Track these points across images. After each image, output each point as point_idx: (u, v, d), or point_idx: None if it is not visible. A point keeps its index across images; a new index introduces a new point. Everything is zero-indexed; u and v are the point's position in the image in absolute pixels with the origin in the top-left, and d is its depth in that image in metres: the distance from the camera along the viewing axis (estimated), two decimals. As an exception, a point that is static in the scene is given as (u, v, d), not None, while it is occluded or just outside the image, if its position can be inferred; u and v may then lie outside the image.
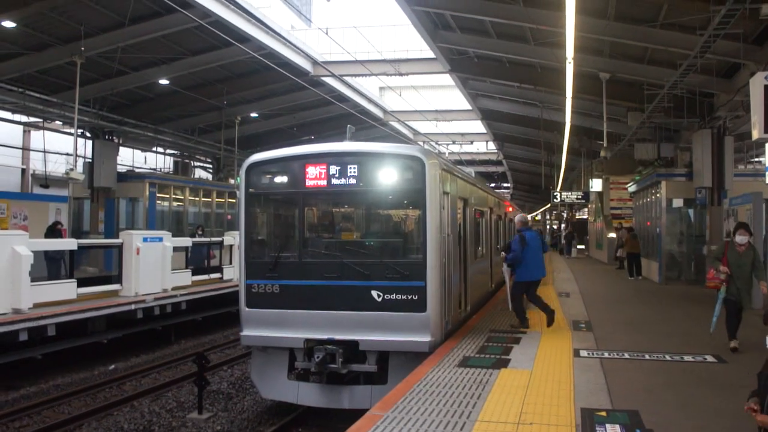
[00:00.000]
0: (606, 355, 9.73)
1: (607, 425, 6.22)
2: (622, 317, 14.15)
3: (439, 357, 9.30)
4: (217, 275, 21.85)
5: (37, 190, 32.86)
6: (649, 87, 19.68)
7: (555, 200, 41.71)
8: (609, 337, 11.38)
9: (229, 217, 34.08)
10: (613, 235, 32.09)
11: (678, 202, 22.50)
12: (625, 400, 7.14)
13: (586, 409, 6.74)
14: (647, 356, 9.68)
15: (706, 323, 10.89)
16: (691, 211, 22.62)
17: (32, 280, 14.06)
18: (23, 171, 34.31)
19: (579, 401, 7.03)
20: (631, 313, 15.01)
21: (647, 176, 25.29)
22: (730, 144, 20.44)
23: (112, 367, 15.50)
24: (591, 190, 36.70)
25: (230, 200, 34.16)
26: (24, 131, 33.10)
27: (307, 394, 10.23)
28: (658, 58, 18.76)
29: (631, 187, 29.25)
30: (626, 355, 9.75)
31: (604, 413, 6.63)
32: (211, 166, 40.79)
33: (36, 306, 14.02)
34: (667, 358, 9.62)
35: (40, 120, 29.09)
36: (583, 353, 9.78)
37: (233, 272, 21.75)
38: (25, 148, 33.45)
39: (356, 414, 7.23)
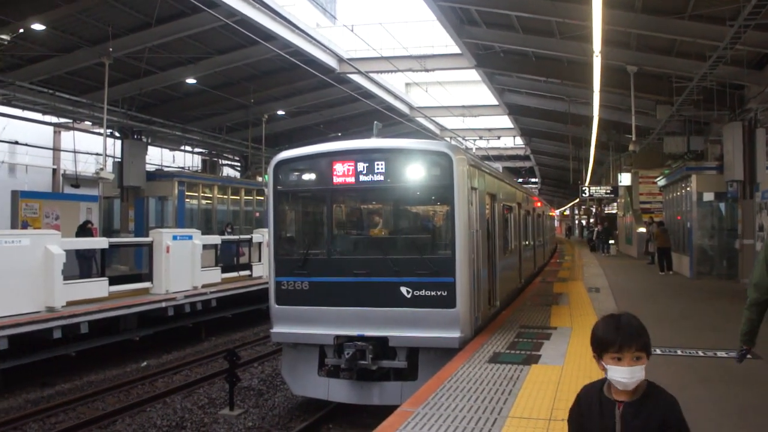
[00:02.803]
0: (637, 350, 9.63)
1: (640, 421, 6.16)
2: (653, 312, 14.01)
3: (470, 353, 9.28)
4: (246, 272, 21.98)
5: (68, 190, 33.21)
6: (677, 79, 19.47)
7: (583, 195, 41.42)
8: (640, 332, 11.27)
9: (257, 214, 34.25)
10: (642, 229, 31.81)
11: (709, 196, 22.23)
12: (656, 396, 7.07)
13: (617, 405, 6.68)
14: (679, 352, 9.59)
15: (739, 318, 10.71)
16: (722, 205, 22.34)
17: (65, 279, 14.26)
18: (54, 171, 34.70)
19: (611, 397, 6.98)
20: (662, 308, 14.87)
21: (677, 170, 25.06)
22: (762, 136, 20.16)
23: (144, 364, 15.66)
24: (620, 184, 36.39)
25: (258, 198, 34.32)
26: (54, 132, 33.45)
27: (338, 391, 10.28)
28: (687, 50, 18.53)
29: (661, 181, 28.98)
30: (658, 351, 9.64)
31: (636, 409, 6.57)
32: (238, 164, 41.03)
33: (69, 304, 14.21)
34: (700, 353, 9.53)
35: (70, 121, 29.43)
36: (615, 349, 9.69)
37: (262, 269, 21.84)
38: (56, 149, 33.83)
39: (386, 410, 7.24)
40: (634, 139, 23.40)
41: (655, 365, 8.60)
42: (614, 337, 2.78)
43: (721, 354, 9.47)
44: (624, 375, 2.73)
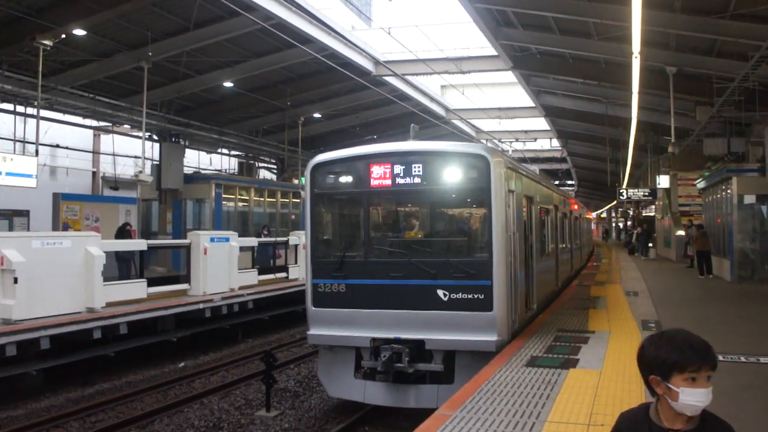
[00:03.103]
0: (677, 355, 9.47)
1: (681, 427, 6.05)
2: (693, 316, 13.83)
3: (507, 356, 9.22)
4: (282, 275, 22.08)
5: (107, 192, 33.71)
6: (718, 80, 19.16)
7: (621, 197, 41.00)
8: (680, 336, 11.08)
9: (293, 217, 34.40)
10: (681, 232, 31.39)
11: (750, 199, 21.81)
12: (698, 402, 6.93)
13: (658, 411, 6.57)
14: (721, 357, 9.27)
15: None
16: (764, 208, 21.93)
17: (104, 280, 14.45)
18: (94, 174, 35.24)
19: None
20: (702, 312, 14.66)
21: (717, 172, 24.67)
22: (805, 137, 19.80)
23: (182, 364, 15.81)
24: (658, 186, 35.93)
25: (294, 200, 34.48)
26: (94, 135, 33.97)
27: (374, 393, 10.27)
28: (728, 50, 18.24)
29: (700, 184, 28.55)
30: (699, 356, 9.47)
31: (677, 415, 6.46)
32: (275, 166, 41.29)
33: (108, 305, 14.41)
34: (742, 359, 9.35)
35: (109, 124, 29.87)
36: (654, 353, 9.54)
37: (298, 272, 21.94)
38: (96, 152, 34.35)
39: (422, 413, 7.22)
40: (673, 140, 23.09)
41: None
42: (691, 356, 2.51)
43: (764, 360, 9.30)
44: (700, 397, 2.49)
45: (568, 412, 6.60)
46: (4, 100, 23.46)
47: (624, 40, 16.14)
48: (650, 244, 38.18)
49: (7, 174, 18.65)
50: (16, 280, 12.39)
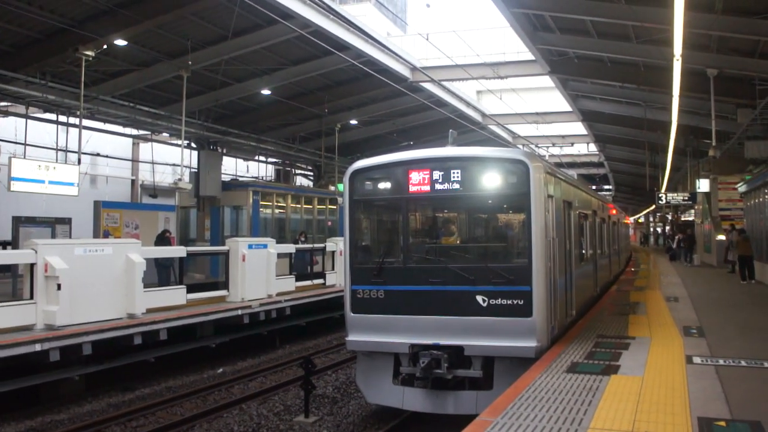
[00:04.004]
0: (721, 362, 9.33)
1: (727, 436, 5.96)
2: (736, 322, 13.58)
3: (547, 363, 9.14)
4: (320, 281, 22.14)
5: (146, 200, 34.14)
6: (761, 81, 18.88)
7: (660, 202, 40.47)
8: (723, 343, 10.92)
9: (330, 223, 34.48)
10: (722, 237, 30.88)
11: (794, 202, 21.46)
12: (744, 410, 6.82)
13: (703, 418, 6.47)
14: (765, 364, 9.23)
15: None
16: (808, 211, 21.53)
17: (144, 287, 14.62)
18: (133, 182, 35.73)
19: (695, 410, 6.77)
20: (745, 318, 14.38)
21: (759, 175, 24.25)
22: None
23: (221, 370, 15.95)
24: (698, 191, 35.39)
25: (331, 207, 34.56)
26: (133, 143, 34.45)
27: (412, 399, 10.24)
28: (771, 51, 17.98)
29: (742, 187, 28.11)
30: (743, 363, 9.32)
31: (723, 423, 6.35)
32: (311, 173, 41.45)
33: (148, 311, 14.57)
34: (788, 365, 9.17)
35: (149, 132, 30.23)
36: (696, 360, 9.42)
37: (335, 278, 22.00)
38: (135, 160, 34.82)
39: (461, 419, 7.19)
40: (714, 144, 22.75)
41: (741, 377, 8.37)
42: None
43: (812, 366, 9.10)
44: None
45: (611, 419, 6.52)
46: (47, 111, 23.90)
47: (664, 43, 15.94)
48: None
49: (50, 182, 19.03)
50: (59, 287, 12.59)
